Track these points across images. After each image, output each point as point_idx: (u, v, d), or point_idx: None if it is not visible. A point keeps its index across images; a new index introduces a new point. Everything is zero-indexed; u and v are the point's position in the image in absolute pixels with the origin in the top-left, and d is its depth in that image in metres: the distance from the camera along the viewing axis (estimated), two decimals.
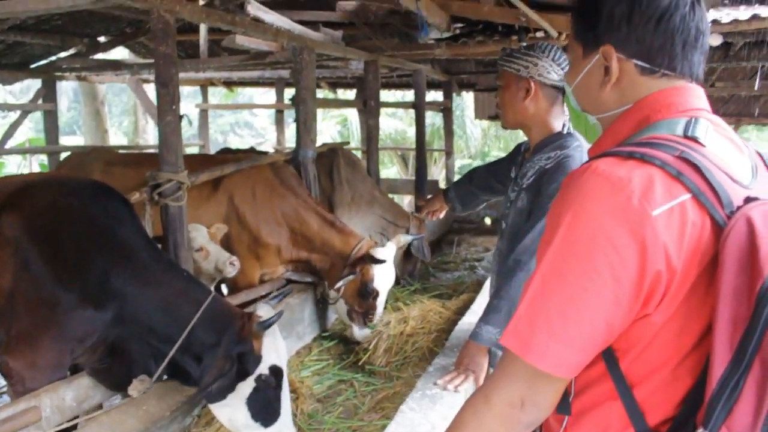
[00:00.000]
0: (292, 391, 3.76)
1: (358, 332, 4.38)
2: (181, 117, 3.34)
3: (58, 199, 3.01)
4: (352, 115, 17.26)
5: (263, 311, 2.97)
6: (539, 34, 4.55)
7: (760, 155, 1.24)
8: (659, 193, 1.04)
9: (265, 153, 5.84)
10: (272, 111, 27.11)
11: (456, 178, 10.11)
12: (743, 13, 4.58)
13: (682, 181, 1.05)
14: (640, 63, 1.21)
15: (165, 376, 3.18)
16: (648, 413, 1.12)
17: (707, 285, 1.05)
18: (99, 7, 3.46)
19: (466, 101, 15.96)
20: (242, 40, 5.41)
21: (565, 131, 2.49)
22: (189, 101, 27.55)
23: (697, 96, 1.22)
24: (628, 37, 1.21)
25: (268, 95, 24.40)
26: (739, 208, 1.05)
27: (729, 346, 0.97)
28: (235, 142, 23.93)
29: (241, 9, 4.48)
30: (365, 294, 4.29)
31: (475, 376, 2.51)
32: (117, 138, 16.30)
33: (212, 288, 3.87)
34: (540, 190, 2.42)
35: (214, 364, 2.86)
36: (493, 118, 11.11)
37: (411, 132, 17.74)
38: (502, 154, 16.87)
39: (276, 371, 2.97)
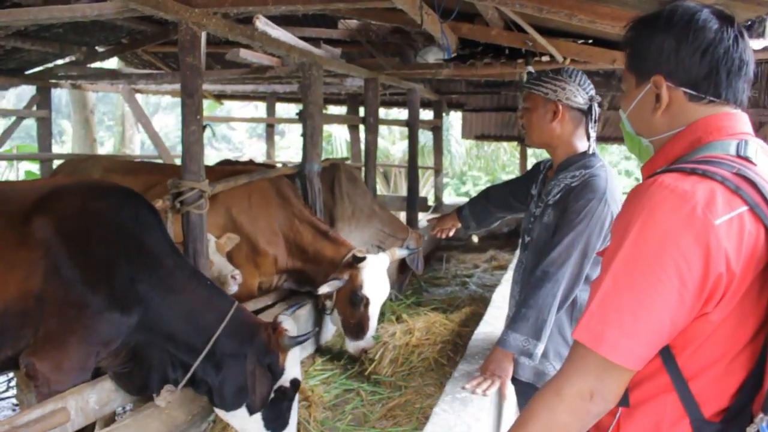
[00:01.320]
0: (304, 399, 3.83)
1: (351, 345, 4.41)
2: (204, 127, 3.40)
3: (88, 204, 3.05)
4: (336, 130, 17.38)
5: (288, 324, 3.03)
6: (545, 59, 4.72)
7: None
8: (720, 205, 1.17)
9: (268, 165, 5.91)
10: (250, 125, 27.12)
11: (443, 195, 10.28)
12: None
13: (740, 195, 1.19)
14: (688, 91, 1.35)
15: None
16: (703, 404, 1.24)
17: (760, 288, 1.18)
18: (124, 16, 3.51)
19: (451, 121, 16.18)
20: (246, 54, 5.51)
21: (590, 152, 2.61)
22: (167, 112, 27.46)
23: (743, 122, 1.36)
24: (677, 67, 1.34)
25: (246, 109, 24.47)
26: None
27: None
28: (213, 156, 23.89)
29: (250, 24, 4.59)
30: (355, 301, 4.32)
31: (502, 381, 2.60)
32: (103, 148, 16.17)
33: None
34: (567, 207, 2.53)
35: (258, 379, 2.92)
36: (479, 138, 11.31)
37: (394, 149, 17.93)
38: (482, 175, 17.04)
39: (295, 384, 3.05)
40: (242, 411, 2.99)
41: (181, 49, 3.38)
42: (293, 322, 3.10)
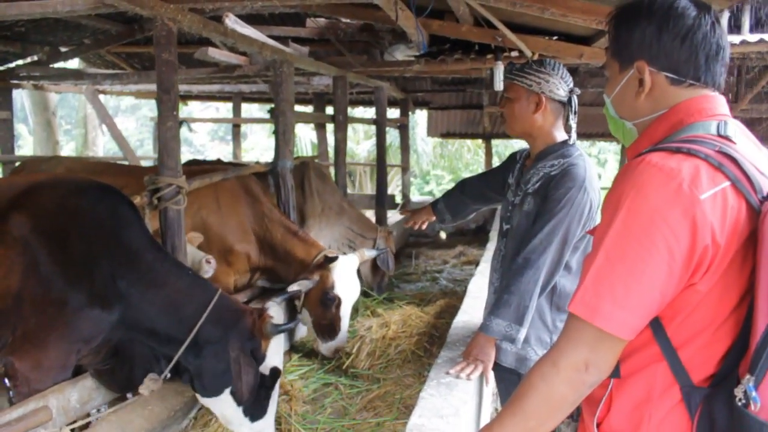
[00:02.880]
0: (285, 393, 3.84)
1: (324, 346, 4.43)
2: (180, 123, 3.40)
3: (65, 200, 3.02)
4: (301, 131, 17.34)
5: (274, 311, 3.05)
6: (514, 54, 4.81)
7: None
8: (705, 181, 1.24)
9: (237, 164, 5.89)
10: (212, 128, 26.83)
11: (410, 193, 10.36)
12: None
13: (723, 171, 1.26)
14: (669, 75, 1.42)
15: (168, 375, 3.22)
16: (692, 371, 1.31)
17: (743, 259, 1.26)
18: (98, 12, 3.49)
19: (417, 119, 16.28)
20: (214, 53, 5.49)
21: (571, 142, 2.69)
22: (127, 115, 27.03)
23: (722, 104, 1.44)
24: (659, 53, 1.42)
25: (208, 110, 24.25)
26: None
27: None
28: None
29: (219, 22, 4.59)
30: (326, 302, 4.35)
31: (484, 365, 2.66)
32: (64, 152, 15.83)
33: None
34: (547, 195, 2.58)
35: (243, 366, 2.94)
36: (445, 135, 11.43)
37: (358, 149, 17.96)
38: (446, 174, 17.09)
39: (275, 373, 3.06)
40: (224, 397, 2.97)
41: (157, 45, 3.37)
42: (281, 310, 3.11)
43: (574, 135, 2.68)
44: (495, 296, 2.72)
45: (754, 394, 1.14)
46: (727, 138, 1.33)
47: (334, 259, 4.32)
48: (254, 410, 3.05)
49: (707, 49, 1.40)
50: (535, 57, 4.52)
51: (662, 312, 1.30)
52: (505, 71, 2.75)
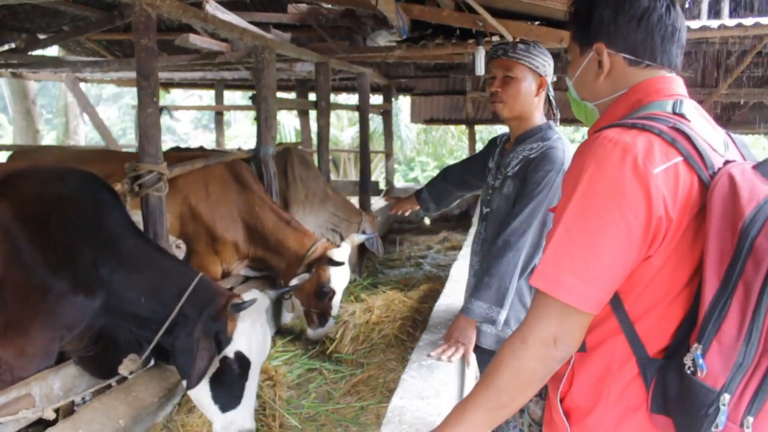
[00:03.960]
0: (269, 378, 3.87)
1: (312, 332, 4.48)
2: (161, 110, 3.39)
3: (46, 188, 3.02)
4: (284, 118, 17.27)
5: (249, 295, 3.03)
6: (495, 39, 4.82)
7: (729, 135, 1.52)
8: (658, 156, 1.28)
9: (220, 152, 5.87)
10: (195, 116, 26.64)
11: (393, 179, 10.37)
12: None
13: (676, 147, 1.30)
14: (627, 56, 1.47)
15: (152, 361, 3.23)
16: (648, 344, 1.35)
17: (695, 233, 1.29)
18: None
19: (401, 105, 16.25)
20: (195, 39, 5.46)
21: (554, 125, 2.72)
22: (109, 104, 26.77)
23: (679, 84, 1.49)
24: (616, 34, 1.46)
25: (191, 99, 24.05)
26: (719, 168, 1.30)
27: (717, 275, 1.21)
28: None
29: (199, 8, 4.56)
30: (321, 295, 4.39)
31: (465, 348, 2.70)
32: (45, 141, 15.67)
33: None
34: (526, 178, 2.62)
35: (200, 343, 2.83)
36: (428, 122, 11.43)
37: (342, 136, 17.92)
38: (431, 161, 17.12)
39: (240, 358, 2.96)
40: None
41: (136, 31, 3.35)
42: (262, 295, 3.08)
43: (556, 121, 2.72)
44: (475, 279, 2.75)
45: (701, 361, 1.18)
46: (681, 116, 1.37)
47: (341, 264, 4.33)
48: (225, 398, 2.94)
49: (663, 31, 1.44)
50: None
51: (621, 286, 1.34)
52: (508, 49, 2.68)
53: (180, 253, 3.93)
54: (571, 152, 2.65)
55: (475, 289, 2.63)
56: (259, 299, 3.03)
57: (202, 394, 2.95)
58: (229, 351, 2.93)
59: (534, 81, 2.64)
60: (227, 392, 2.95)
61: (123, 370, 2.94)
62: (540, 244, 2.59)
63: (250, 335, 2.98)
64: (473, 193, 3.31)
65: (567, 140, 2.71)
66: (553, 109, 2.74)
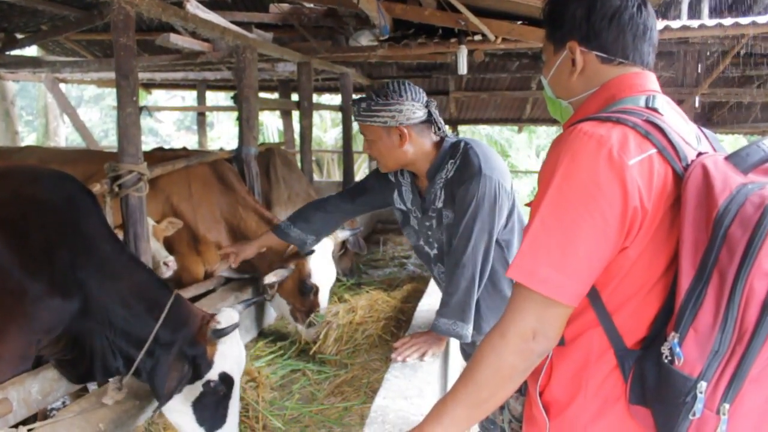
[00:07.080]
0: (251, 380, 3.83)
1: (305, 332, 4.42)
2: (141, 109, 3.35)
3: (20, 189, 2.95)
4: (267, 119, 17.21)
5: (224, 317, 2.95)
6: (477, 38, 4.83)
7: (701, 129, 1.54)
8: (632, 148, 1.30)
9: (203, 152, 5.83)
10: (178, 118, 26.50)
11: None
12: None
13: (650, 139, 1.32)
14: (599, 54, 1.49)
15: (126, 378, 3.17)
16: (625, 336, 1.36)
17: (670, 224, 1.31)
18: None
19: None
20: (176, 39, 5.41)
21: (448, 134, 2.68)
22: (90, 105, 26.55)
23: (651, 80, 1.51)
24: (588, 33, 1.49)
25: (174, 100, 23.93)
26: (693, 160, 1.31)
27: (692, 264, 1.22)
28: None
29: (180, 7, 4.52)
30: (305, 290, 4.34)
31: (425, 350, 2.69)
32: (25, 143, 15.50)
33: None
34: (454, 195, 2.59)
35: (171, 367, 2.82)
36: None
37: (325, 137, 17.87)
38: None
39: (225, 379, 2.94)
40: (174, 403, 2.89)
41: (114, 30, 3.30)
42: (235, 314, 3.02)
43: (444, 129, 2.66)
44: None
45: (678, 350, 1.19)
46: (654, 110, 1.39)
47: (311, 252, 4.28)
48: (211, 420, 2.92)
49: (634, 30, 1.47)
50: (499, 41, 4.54)
51: (597, 278, 1.34)
52: (354, 115, 2.66)
53: (168, 272, 3.86)
54: (483, 148, 2.63)
55: (439, 308, 2.69)
56: (233, 318, 3.00)
57: (186, 420, 2.92)
58: (212, 374, 2.90)
59: (391, 135, 2.57)
60: (213, 413, 2.94)
61: (107, 400, 2.89)
62: (489, 251, 2.60)
63: (231, 354, 2.96)
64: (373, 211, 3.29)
65: (473, 139, 2.68)
66: (441, 127, 2.66)
